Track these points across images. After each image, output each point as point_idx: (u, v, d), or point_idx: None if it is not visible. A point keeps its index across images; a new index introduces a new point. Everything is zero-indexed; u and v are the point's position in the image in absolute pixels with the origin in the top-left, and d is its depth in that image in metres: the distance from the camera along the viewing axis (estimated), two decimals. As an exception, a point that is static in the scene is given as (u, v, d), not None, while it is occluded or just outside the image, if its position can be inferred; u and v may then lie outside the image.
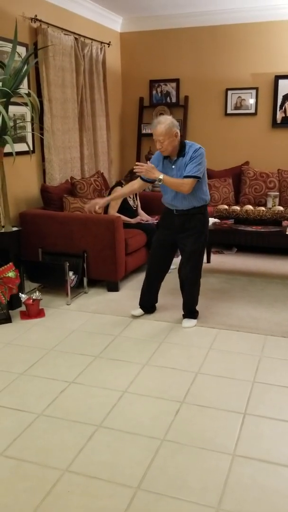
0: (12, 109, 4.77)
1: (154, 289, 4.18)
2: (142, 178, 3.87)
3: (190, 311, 4.07)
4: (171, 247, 4.01)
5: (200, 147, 3.73)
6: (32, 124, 5.20)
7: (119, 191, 4.32)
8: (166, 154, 3.72)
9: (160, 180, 3.64)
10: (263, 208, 5.07)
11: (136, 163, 3.77)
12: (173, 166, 3.74)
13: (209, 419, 2.73)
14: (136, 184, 3.96)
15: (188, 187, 3.64)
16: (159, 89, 7.14)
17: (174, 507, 2.09)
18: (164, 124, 3.58)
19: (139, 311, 4.20)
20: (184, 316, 4.08)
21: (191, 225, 3.82)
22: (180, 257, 4.07)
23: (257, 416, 2.75)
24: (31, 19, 5.08)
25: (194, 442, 2.52)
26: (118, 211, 5.23)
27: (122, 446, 2.50)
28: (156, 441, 2.53)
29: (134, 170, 3.77)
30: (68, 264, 4.48)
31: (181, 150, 3.71)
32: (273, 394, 2.97)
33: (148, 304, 4.23)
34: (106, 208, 5.27)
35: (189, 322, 4.02)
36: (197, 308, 4.09)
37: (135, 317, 4.16)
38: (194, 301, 4.08)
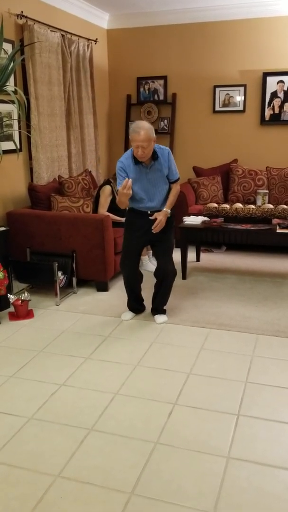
0: (-2, 106, 4.71)
1: (136, 290, 4.15)
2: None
3: (162, 307, 4.13)
4: (141, 248, 4.03)
5: (169, 149, 3.81)
6: (19, 122, 5.13)
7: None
8: (144, 160, 3.66)
9: (169, 212, 3.82)
10: (252, 206, 5.05)
11: (153, 227, 3.77)
12: (148, 170, 3.72)
13: (202, 421, 2.70)
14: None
15: (179, 190, 3.92)
16: (146, 87, 7.09)
17: (169, 513, 2.05)
18: (146, 129, 3.53)
19: (130, 315, 4.16)
20: (157, 312, 4.12)
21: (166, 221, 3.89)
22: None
23: (250, 417, 2.72)
24: (17, 15, 5.00)
25: (188, 444, 2.49)
26: (107, 210, 5.18)
27: (114, 450, 2.46)
28: (150, 444, 2.49)
29: (154, 232, 3.79)
30: (57, 264, 4.43)
31: (154, 153, 3.69)
32: (266, 395, 2.95)
33: (136, 305, 4.20)
34: (95, 207, 5.23)
35: (163, 317, 4.07)
36: (186, 306, 4.12)
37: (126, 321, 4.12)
38: (168, 296, 4.15)
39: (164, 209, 3.82)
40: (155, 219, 3.79)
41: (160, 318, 4.06)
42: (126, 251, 4.00)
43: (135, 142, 3.54)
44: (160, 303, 4.12)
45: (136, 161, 3.69)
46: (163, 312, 4.13)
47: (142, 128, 3.51)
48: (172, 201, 3.87)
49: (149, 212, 3.84)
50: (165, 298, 4.12)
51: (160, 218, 3.76)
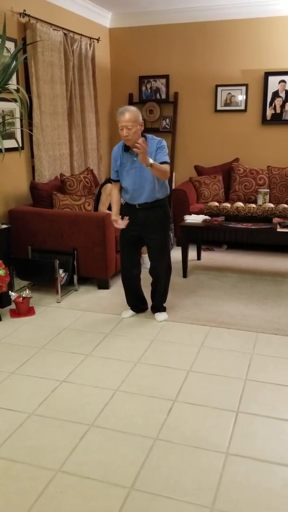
0: (1, 105, 4.73)
1: (133, 287, 4.12)
2: (116, 180, 3.85)
3: (162, 303, 4.13)
4: (137, 243, 3.97)
5: (161, 139, 3.73)
6: (21, 121, 5.15)
7: (115, 196, 3.94)
8: (129, 144, 3.62)
9: (151, 165, 3.53)
10: (253, 205, 5.07)
11: (137, 143, 3.48)
12: (135, 158, 3.66)
13: (202, 418, 2.72)
14: (116, 187, 3.90)
15: (168, 174, 3.72)
16: (148, 85, 7.10)
17: (169, 507, 2.07)
18: (132, 111, 3.58)
19: (130, 313, 4.16)
20: (156, 310, 4.12)
21: (156, 219, 3.82)
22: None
23: (250, 414, 2.74)
24: (20, 14, 5.02)
25: (187, 441, 2.51)
26: (108, 208, 5.20)
27: (115, 446, 2.48)
28: (149, 440, 2.52)
29: (136, 145, 3.44)
30: (58, 261, 4.45)
31: None
32: (265, 392, 2.97)
33: (136, 302, 4.19)
34: (97, 205, 5.24)
35: (163, 315, 4.07)
36: (187, 304, 4.09)
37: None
38: (166, 292, 4.13)
39: (151, 161, 3.50)
40: (146, 214, 3.75)
41: (160, 316, 4.07)
42: (120, 245, 4.04)
43: (120, 123, 3.58)
44: (159, 301, 4.12)
45: (126, 149, 3.70)
46: (163, 309, 4.13)
47: (127, 110, 3.58)
48: (161, 167, 3.58)
49: (137, 207, 3.79)
50: (163, 296, 4.12)
51: (145, 147, 3.40)
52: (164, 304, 4.16)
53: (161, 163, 3.64)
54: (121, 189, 3.89)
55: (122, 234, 3.96)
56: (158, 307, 4.13)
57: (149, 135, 3.74)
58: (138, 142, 3.41)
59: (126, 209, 3.90)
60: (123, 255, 4.04)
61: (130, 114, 3.55)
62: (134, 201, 3.80)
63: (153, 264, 4.00)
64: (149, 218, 3.80)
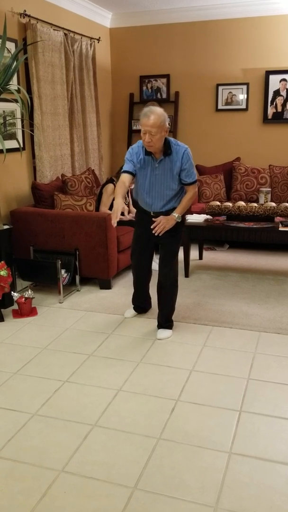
0: (2, 105, 4.73)
1: (142, 286, 4.03)
2: (129, 172, 3.45)
3: (166, 320, 3.79)
4: (149, 241, 3.76)
5: (188, 148, 3.47)
6: (22, 121, 5.15)
7: (121, 189, 3.44)
8: (151, 150, 3.37)
9: (179, 218, 3.46)
10: (255, 204, 5.06)
11: (152, 226, 3.45)
12: (157, 165, 3.46)
13: (204, 417, 2.72)
14: (126, 180, 3.44)
15: (196, 194, 3.56)
16: (149, 85, 7.11)
17: (172, 507, 2.07)
18: (158, 115, 3.22)
19: (132, 313, 4.12)
20: (160, 326, 3.80)
21: (171, 228, 3.53)
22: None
23: (252, 414, 2.74)
24: (20, 14, 5.02)
25: (190, 440, 2.51)
26: (110, 208, 5.21)
27: (117, 445, 2.49)
28: (152, 440, 2.52)
29: (155, 233, 3.43)
30: (60, 262, 4.45)
31: (167, 148, 3.40)
32: (268, 391, 2.97)
33: (141, 303, 4.13)
34: (98, 205, 5.24)
35: (165, 333, 3.74)
36: (189, 303, 4.03)
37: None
38: (172, 309, 3.81)
39: (174, 213, 3.48)
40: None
41: (161, 333, 3.73)
42: (132, 245, 3.92)
43: (143, 127, 3.25)
44: (162, 315, 3.79)
45: (147, 153, 3.43)
46: (167, 327, 3.79)
47: (153, 113, 3.23)
48: (185, 205, 3.50)
49: (152, 214, 3.60)
50: (167, 310, 3.79)
51: (162, 220, 3.44)
52: (170, 322, 3.84)
53: (189, 184, 3.49)
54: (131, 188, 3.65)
55: (136, 234, 3.82)
56: (162, 323, 3.80)
57: (172, 140, 3.45)
58: (155, 225, 3.39)
59: (140, 213, 3.74)
60: (135, 254, 3.86)
61: (155, 118, 3.21)
62: (146, 206, 3.63)
63: (160, 271, 3.73)
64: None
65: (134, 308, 4.16)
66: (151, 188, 3.54)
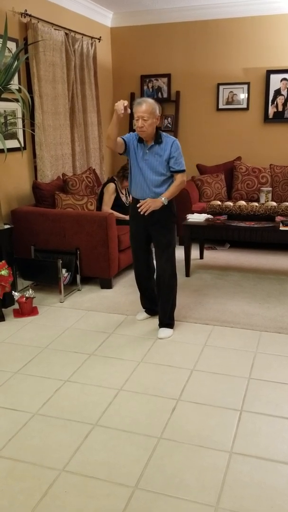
0: (3, 105, 4.73)
1: (145, 286, 4.00)
2: (122, 138, 3.73)
3: (167, 317, 3.82)
4: (143, 234, 3.80)
5: (177, 140, 3.68)
6: (23, 121, 5.15)
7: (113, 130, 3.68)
8: (143, 136, 3.59)
9: (166, 201, 3.57)
10: (256, 204, 5.06)
11: (139, 205, 3.58)
12: (147, 151, 3.63)
13: (205, 417, 2.72)
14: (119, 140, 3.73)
15: (184, 183, 3.69)
16: (150, 85, 7.10)
17: (173, 506, 2.07)
18: (150, 103, 3.52)
19: (143, 315, 4.07)
20: (161, 324, 3.82)
21: (161, 217, 3.64)
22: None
23: (253, 413, 2.74)
24: (21, 14, 5.02)
25: (191, 440, 2.51)
26: (111, 208, 5.21)
27: (118, 445, 2.48)
28: (153, 439, 2.52)
29: (140, 211, 3.56)
30: (61, 261, 4.45)
31: (158, 137, 3.62)
32: (269, 391, 2.97)
33: (148, 304, 4.07)
34: (99, 205, 5.25)
35: (166, 332, 3.76)
36: (189, 303, 4.02)
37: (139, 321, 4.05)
38: (172, 307, 3.83)
39: (161, 196, 3.59)
40: (152, 212, 3.58)
41: (162, 332, 3.75)
42: (130, 243, 3.95)
43: (137, 113, 3.52)
44: (162, 313, 3.82)
45: (139, 140, 3.67)
46: (168, 325, 3.81)
47: (145, 101, 3.53)
48: (173, 191, 3.63)
49: (140, 201, 3.65)
50: (167, 307, 3.81)
51: (148, 200, 3.56)
52: (171, 320, 3.85)
53: (177, 171, 3.63)
54: (128, 182, 3.81)
55: (131, 228, 3.85)
56: (162, 320, 3.82)
57: (163, 133, 3.67)
58: (141, 204, 3.54)
59: (133, 211, 3.78)
60: (134, 251, 3.91)
61: (147, 105, 3.50)
62: (140, 195, 3.69)
63: (157, 265, 3.81)
64: (153, 216, 3.63)
65: (146, 311, 4.11)
66: (141, 173, 3.68)
